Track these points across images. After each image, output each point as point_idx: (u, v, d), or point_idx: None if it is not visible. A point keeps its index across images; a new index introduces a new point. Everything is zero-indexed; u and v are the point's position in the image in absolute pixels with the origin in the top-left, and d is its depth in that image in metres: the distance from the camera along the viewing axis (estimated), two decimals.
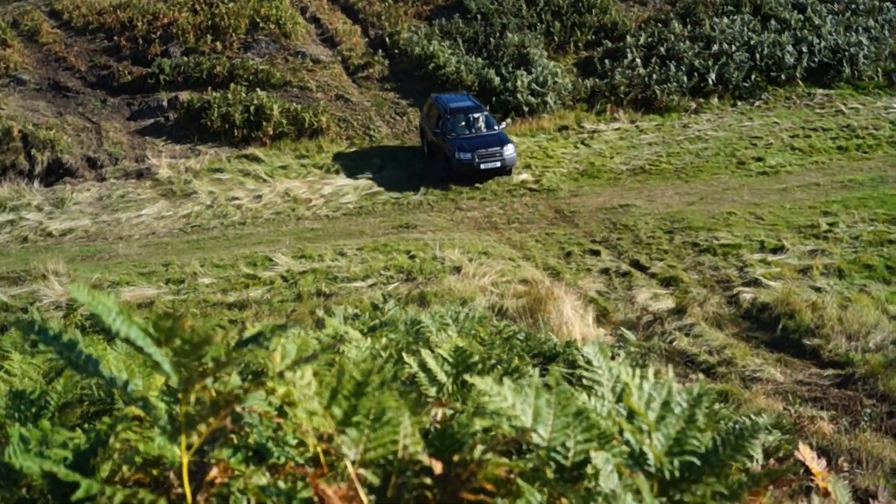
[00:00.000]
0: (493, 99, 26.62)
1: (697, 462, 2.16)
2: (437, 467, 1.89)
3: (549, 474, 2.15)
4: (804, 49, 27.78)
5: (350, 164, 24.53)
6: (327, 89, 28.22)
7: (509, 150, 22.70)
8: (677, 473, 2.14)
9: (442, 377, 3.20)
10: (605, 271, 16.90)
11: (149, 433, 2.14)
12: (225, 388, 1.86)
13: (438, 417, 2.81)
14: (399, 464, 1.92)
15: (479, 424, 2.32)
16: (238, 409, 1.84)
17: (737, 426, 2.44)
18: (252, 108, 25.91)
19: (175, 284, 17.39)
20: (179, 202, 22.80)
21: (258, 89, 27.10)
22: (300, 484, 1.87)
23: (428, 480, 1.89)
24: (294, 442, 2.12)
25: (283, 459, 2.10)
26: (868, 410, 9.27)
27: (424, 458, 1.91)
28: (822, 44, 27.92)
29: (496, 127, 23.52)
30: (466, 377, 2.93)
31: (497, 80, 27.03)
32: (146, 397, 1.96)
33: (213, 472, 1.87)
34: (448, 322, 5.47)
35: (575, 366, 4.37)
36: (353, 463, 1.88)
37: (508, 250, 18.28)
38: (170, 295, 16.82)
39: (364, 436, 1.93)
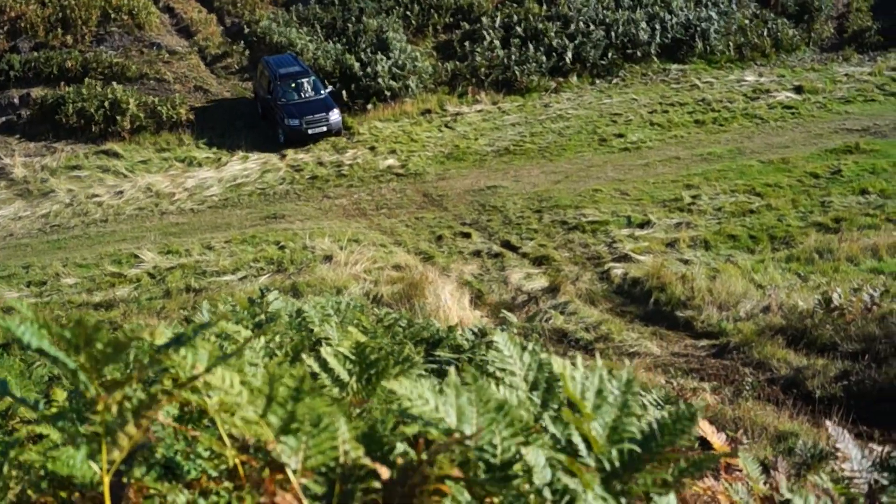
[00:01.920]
0: (353, 85, 26.06)
1: (637, 449, 2.11)
2: (384, 472, 1.84)
3: (480, 474, 2.06)
4: (657, 26, 28.44)
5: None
6: (185, 81, 27.36)
7: (335, 115, 24.22)
8: (618, 463, 2.09)
9: (345, 376, 3.05)
10: (478, 253, 16.77)
11: (55, 453, 1.97)
12: (143, 396, 1.75)
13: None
14: (342, 470, 1.87)
15: (408, 431, 2.22)
16: (162, 418, 1.79)
17: (672, 411, 2.26)
18: (108, 103, 24.88)
19: (37, 287, 16.74)
20: (37, 202, 21.76)
21: (114, 83, 26.05)
22: (222, 500, 1.86)
23: (376, 485, 1.84)
24: (206, 454, 2.04)
25: (194, 473, 2.01)
26: (749, 380, 9.25)
27: (368, 462, 1.86)
28: (675, 20, 28.66)
29: (322, 91, 24.63)
30: (384, 383, 2.76)
31: (357, 65, 26.47)
32: (62, 413, 1.95)
33: (129, 492, 1.82)
34: (330, 313, 5.12)
35: (460, 350, 4.39)
36: (295, 472, 1.82)
37: (379, 236, 18.01)
38: (32, 298, 16.11)
39: (303, 443, 1.87)
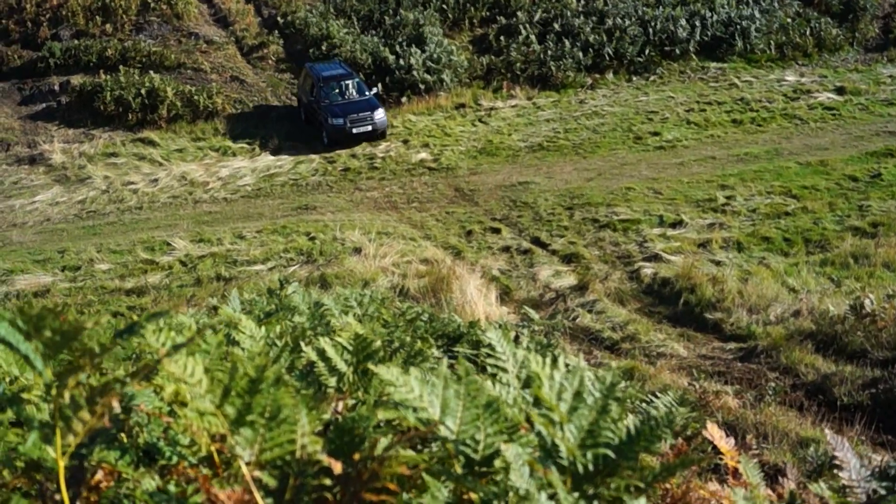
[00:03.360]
0: (388, 78, 26.08)
1: (612, 455, 2.08)
2: (337, 467, 1.79)
3: (458, 468, 2.08)
4: (697, 23, 28.16)
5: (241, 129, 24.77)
6: (222, 70, 27.61)
7: (379, 115, 23.73)
8: (591, 467, 2.07)
9: (342, 366, 3.07)
10: (507, 249, 16.72)
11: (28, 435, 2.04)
12: (100, 382, 1.75)
13: (340, 408, 2.74)
14: (297, 464, 1.83)
15: (382, 416, 2.22)
16: (117, 406, 1.73)
17: (650, 417, 2.45)
18: (145, 91, 25.23)
19: (71, 271, 16.96)
20: (74, 188, 22.13)
21: (151, 72, 26.39)
22: (191, 487, 1.82)
23: (328, 481, 1.81)
24: (186, 441, 2.03)
25: (175, 460, 2.01)
26: (772, 384, 9.11)
27: (323, 458, 1.82)
28: (715, 17, 28.33)
29: (367, 93, 24.32)
30: (370, 366, 2.82)
31: (392, 58, 26.48)
32: (17, 396, 1.95)
33: (98, 475, 1.82)
34: (352, 304, 5.31)
35: (479, 347, 4.36)
36: (249, 464, 1.79)
37: (409, 230, 18.04)
38: (66, 282, 16.38)
39: (259, 435, 1.84)
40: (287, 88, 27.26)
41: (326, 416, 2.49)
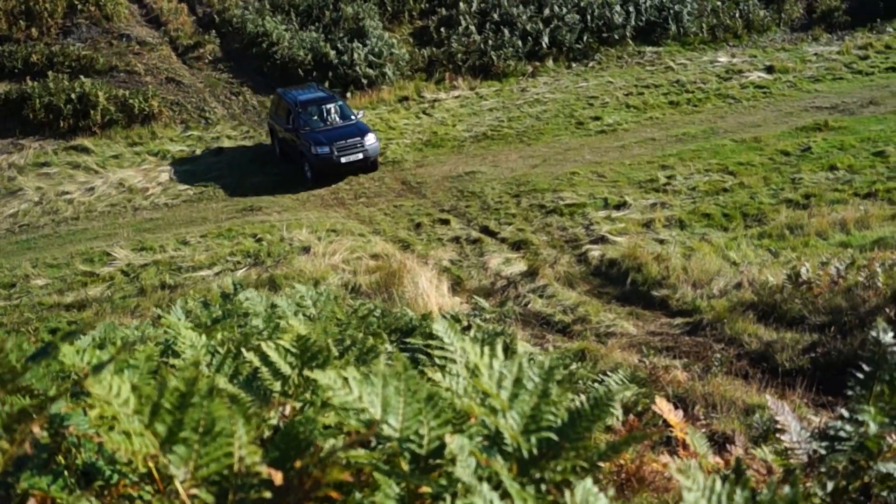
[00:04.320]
0: (331, 73, 26.08)
1: (555, 437, 2.10)
2: (277, 478, 1.73)
3: (404, 466, 2.05)
4: (632, 9, 28.62)
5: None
6: (156, 72, 27.08)
7: (371, 140, 20.86)
8: (535, 451, 2.07)
9: (286, 370, 2.98)
10: (456, 239, 16.88)
11: None
12: (12, 409, 1.68)
13: (287, 412, 2.68)
14: (235, 478, 1.76)
15: (325, 420, 2.21)
16: (38, 431, 1.67)
17: (590, 397, 2.28)
18: (76, 97, 24.48)
19: (5, 289, 16.37)
20: (4, 201, 21.45)
21: (82, 76, 25.70)
22: None
23: (268, 494, 1.74)
24: (126, 459, 1.92)
25: (115, 479, 1.94)
26: (718, 355, 9.51)
27: (263, 469, 1.75)
28: (649, 3, 28.84)
29: (353, 116, 21.70)
30: (307, 372, 2.75)
31: (333, 53, 26.48)
32: None
33: (31, 502, 1.72)
34: (306, 304, 5.23)
35: (432, 339, 4.18)
36: (184, 483, 1.73)
37: (357, 226, 18.04)
38: (0, 301, 15.76)
39: (193, 452, 1.77)
40: (225, 88, 26.84)
41: (273, 422, 2.46)
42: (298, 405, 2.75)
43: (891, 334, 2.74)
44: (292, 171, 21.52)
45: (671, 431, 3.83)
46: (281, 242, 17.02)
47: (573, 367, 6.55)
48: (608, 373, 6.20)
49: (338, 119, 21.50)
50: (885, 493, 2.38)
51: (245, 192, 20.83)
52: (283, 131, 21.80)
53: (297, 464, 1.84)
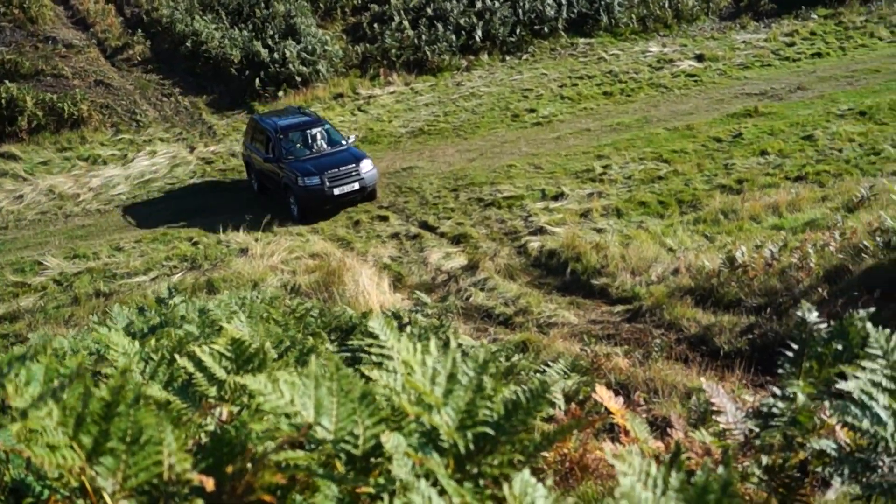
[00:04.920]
0: (262, 72, 25.77)
1: (491, 432, 2.09)
2: (209, 484, 1.71)
3: (340, 467, 2.03)
4: (563, 1, 28.82)
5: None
6: (85, 75, 26.53)
7: (367, 167, 18.26)
8: (472, 446, 2.07)
9: (221, 374, 2.94)
10: (396, 236, 16.82)
11: None
12: None
13: (224, 416, 2.66)
14: (166, 486, 1.73)
15: (256, 428, 2.12)
16: None
17: (526, 389, 2.24)
18: (3, 102, 23.87)
19: None
20: None
21: (7, 81, 24.99)
22: None
23: (200, 502, 1.72)
24: (55, 473, 1.88)
25: (45, 494, 1.91)
26: (658, 341, 9.58)
27: (193, 476, 1.73)
28: None
29: (344, 141, 19.32)
30: (237, 377, 2.74)
31: (265, 52, 26.17)
32: None
33: None
34: (237, 308, 5.16)
35: (374, 336, 4.30)
36: (113, 494, 1.70)
37: (295, 225, 17.77)
38: None
39: (121, 462, 1.73)
40: (156, 90, 26.39)
41: (211, 428, 2.46)
42: (235, 409, 2.71)
43: (815, 313, 2.80)
44: (272, 206, 18.85)
45: (613, 418, 3.83)
46: (218, 245, 16.76)
47: (515, 358, 6.55)
48: (550, 363, 6.20)
49: (325, 145, 19.09)
50: (820, 469, 2.40)
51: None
52: (263, 162, 19.18)
53: (229, 469, 1.82)
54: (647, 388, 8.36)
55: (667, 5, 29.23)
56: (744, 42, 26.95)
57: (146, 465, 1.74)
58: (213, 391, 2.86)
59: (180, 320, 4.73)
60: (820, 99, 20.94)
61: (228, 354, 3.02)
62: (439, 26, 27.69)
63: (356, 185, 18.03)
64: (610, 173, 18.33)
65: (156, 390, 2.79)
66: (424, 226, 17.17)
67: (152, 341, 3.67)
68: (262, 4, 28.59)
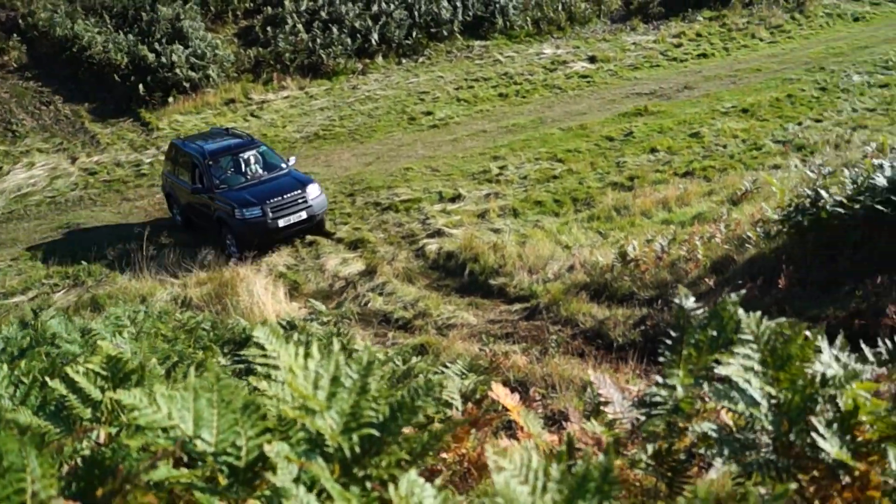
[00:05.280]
0: (149, 77, 25.03)
1: (376, 433, 2.09)
2: None
3: (223, 481, 1.98)
4: (459, 4, 29.05)
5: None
6: None
7: (314, 193, 16.13)
8: (357, 449, 2.05)
9: (96, 394, 2.83)
10: (291, 243, 16.44)
11: None
12: None
13: (102, 439, 2.57)
14: None
15: (132, 444, 2.09)
16: None
17: (412, 387, 2.27)
18: None
19: None
20: None
21: None
22: None
23: None
24: None
25: None
26: (554, 337, 9.64)
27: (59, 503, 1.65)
28: None
29: (284, 164, 16.98)
30: (111, 393, 2.65)
31: (152, 56, 25.42)
32: None
33: None
34: (125, 323, 5.02)
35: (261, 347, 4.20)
36: None
37: (185, 236, 17.27)
38: None
39: None
40: (34, 98, 25.28)
41: (86, 452, 2.34)
42: (113, 431, 2.61)
43: (692, 299, 2.85)
44: (201, 240, 16.69)
45: (510, 416, 3.64)
46: (103, 260, 16.12)
47: (413, 361, 6.49)
48: (448, 364, 6.19)
49: (262, 170, 16.81)
50: (703, 451, 2.43)
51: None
52: (189, 194, 16.83)
53: (99, 492, 1.76)
54: (544, 383, 8.38)
55: (560, 8, 29.73)
56: (634, 43, 27.63)
57: (7, 493, 1.66)
58: (87, 413, 2.76)
59: (51, 339, 4.57)
60: (706, 97, 21.59)
61: (104, 373, 2.91)
62: (334, 29, 27.46)
63: (303, 215, 15.82)
64: (506, 174, 18.46)
65: (25, 415, 2.68)
66: (321, 232, 16.91)
67: (22, 364, 3.50)
68: (148, 8, 27.77)
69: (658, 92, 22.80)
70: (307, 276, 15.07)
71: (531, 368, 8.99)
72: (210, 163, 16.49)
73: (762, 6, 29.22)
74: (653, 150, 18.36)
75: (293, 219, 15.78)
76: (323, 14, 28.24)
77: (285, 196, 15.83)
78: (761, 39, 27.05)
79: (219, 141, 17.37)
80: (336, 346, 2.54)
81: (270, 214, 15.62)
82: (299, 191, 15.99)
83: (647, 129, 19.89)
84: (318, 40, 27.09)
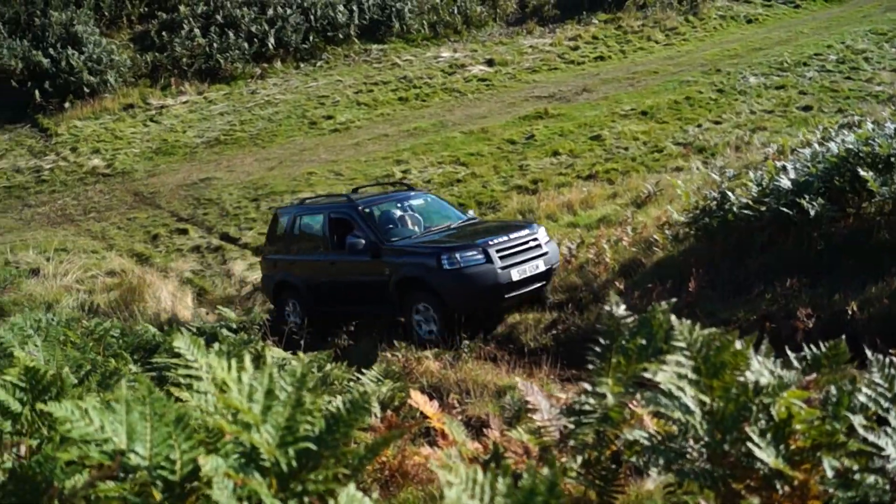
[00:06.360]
0: (46, 83, 24.25)
1: (313, 447, 2.07)
2: None
3: (157, 495, 1.93)
4: (355, 8, 29.00)
5: None
6: None
7: (545, 236, 11.11)
8: (294, 463, 2.03)
9: (16, 406, 2.77)
10: (197, 249, 16.32)
11: None
12: None
13: (23, 452, 2.52)
14: None
15: (64, 457, 2.00)
16: None
17: (348, 399, 2.26)
18: None
19: None
20: None
21: None
22: None
23: None
24: None
25: None
26: (466, 342, 9.71)
27: None
28: (371, 1, 29.34)
29: (465, 215, 12.47)
30: (40, 405, 2.55)
31: (47, 62, 24.63)
32: None
33: None
34: (31, 332, 4.88)
35: (179, 356, 4.16)
36: None
37: (90, 242, 16.94)
38: None
39: None
40: None
41: (8, 465, 2.33)
42: (35, 443, 2.57)
43: (623, 307, 2.87)
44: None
45: (429, 422, 3.87)
46: (6, 266, 15.55)
47: (328, 368, 6.53)
48: (363, 370, 6.18)
49: (440, 221, 12.05)
50: (634, 458, 2.47)
51: None
52: (331, 266, 12.01)
53: None
54: (459, 389, 8.32)
55: (456, 12, 29.96)
56: (531, 47, 27.97)
57: None
58: (7, 426, 2.70)
59: None
60: (605, 100, 21.92)
61: (23, 384, 2.85)
62: (231, 34, 27.12)
63: (540, 266, 10.62)
64: (410, 178, 18.53)
65: None
66: (226, 237, 16.74)
67: None
68: (40, 13, 26.85)
69: (557, 95, 23.09)
70: (214, 282, 14.87)
71: (445, 374, 8.88)
72: (367, 211, 11.69)
73: (656, 9, 29.86)
74: (555, 153, 18.63)
75: (528, 270, 10.48)
76: (218, 18, 27.86)
77: (511, 236, 10.63)
78: (657, 42, 27.68)
79: (376, 200, 12.37)
80: (268, 358, 2.59)
81: (499, 263, 10.35)
82: (527, 230, 10.87)
83: (548, 132, 20.10)
84: (216, 45, 26.72)
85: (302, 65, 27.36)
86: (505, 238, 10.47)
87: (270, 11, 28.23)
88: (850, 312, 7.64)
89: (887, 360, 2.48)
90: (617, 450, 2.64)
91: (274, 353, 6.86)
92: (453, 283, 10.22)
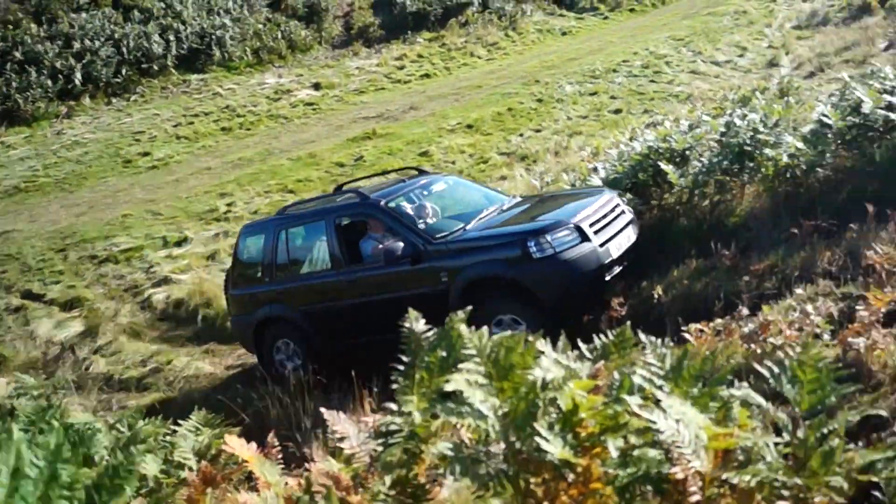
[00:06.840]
0: None
1: None
2: None
3: None
4: (171, 37, 27.71)
5: None
6: None
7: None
8: None
9: None
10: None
11: None
12: None
13: None
14: None
15: None
16: None
17: (108, 467, 2.21)
18: None
19: None
20: None
21: None
22: None
23: None
24: None
25: None
26: (290, 375, 8.95)
27: None
28: (188, 30, 28.12)
29: (506, 195, 10.59)
30: None
31: None
32: None
33: None
34: None
35: None
36: None
37: None
38: None
39: None
40: None
41: None
42: None
43: (423, 322, 2.87)
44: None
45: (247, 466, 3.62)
46: None
47: (139, 425, 5.84)
48: (180, 421, 5.49)
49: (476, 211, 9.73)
50: (442, 471, 2.47)
51: None
52: (351, 286, 9.68)
53: None
54: (289, 424, 7.79)
55: (280, 36, 29.22)
56: (357, 68, 27.58)
57: None
58: None
59: None
60: (432, 117, 21.68)
61: None
62: (32, 71, 25.22)
63: (632, 235, 8.91)
64: (235, 210, 17.50)
65: None
66: (28, 295, 15.09)
67: None
68: None
69: (385, 114, 22.68)
70: (15, 347, 13.35)
71: (273, 412, 8.42)
72: (394, 206, 9.46)
73: (478, 25, 30.18)
74: (384, 173, 18.10)
75: (623, 243, 8.62)
76: (17, 55, 25.82)
77: (598, 205, 8.71)
78: (479, 57, 27.89)
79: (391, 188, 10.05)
80: (16, 432, 2.12)
81: (594, 239, 8.30)
82: (608, 195, 9.10)
83: (376, 151, 19.66)
84: (14, 84, 24.75)
85: (114, 100, 25.71)
86: (593, 209, 8.52)
87: (77, 45, 26.44)
88: (656, 296, 8.13)
89: (658, 340, 2.69)
90: (428, 464, 2.65)
91: (77, 417, 6.08)
92: (550, 274, 8.01)
